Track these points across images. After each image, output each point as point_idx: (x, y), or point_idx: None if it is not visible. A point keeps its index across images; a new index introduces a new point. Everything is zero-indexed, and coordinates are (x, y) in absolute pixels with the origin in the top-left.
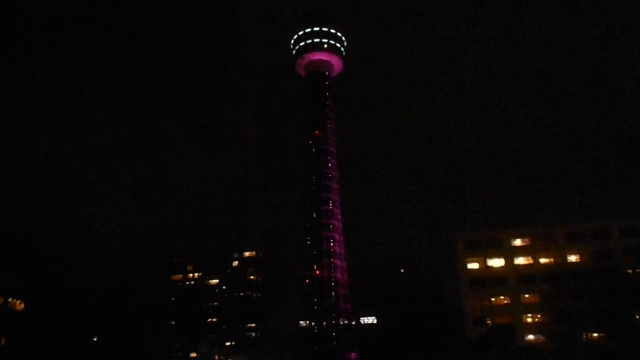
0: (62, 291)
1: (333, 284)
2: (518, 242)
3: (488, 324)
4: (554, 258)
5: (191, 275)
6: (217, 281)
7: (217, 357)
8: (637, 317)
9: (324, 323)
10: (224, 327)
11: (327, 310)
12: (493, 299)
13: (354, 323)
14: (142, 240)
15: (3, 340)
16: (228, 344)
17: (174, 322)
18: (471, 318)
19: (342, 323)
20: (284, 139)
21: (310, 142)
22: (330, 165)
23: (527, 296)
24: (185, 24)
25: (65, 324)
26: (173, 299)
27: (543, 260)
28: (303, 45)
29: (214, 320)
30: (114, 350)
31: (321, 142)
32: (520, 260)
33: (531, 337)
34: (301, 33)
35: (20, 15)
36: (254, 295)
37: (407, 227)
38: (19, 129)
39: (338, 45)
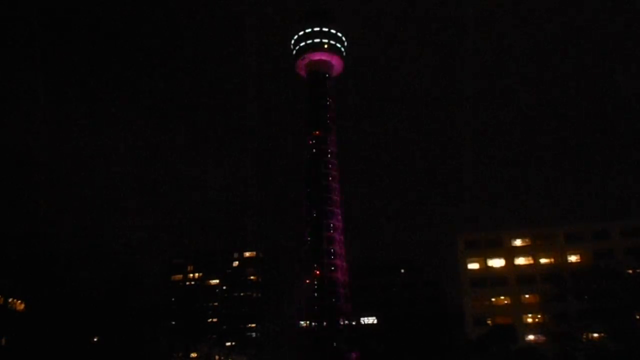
0: (62, 291)
1: (333, 284)
2: (518, 242)
3: (488, 324)
4: (554, 258)
5: (191, 275)
6: (217, 281)
7: (217, 357)
8: (637, 317)
9: (324, 323)
10: (224, 327)
11: (327, 310)
12: (493, 299)
13: (354, 323)
14: (142, 241)
15: (3, 340)
16: (228, 344)
17: (174, 322)
18: (471, 318)
19: (342, 323)
20: (284, 139)
21: (310, 142)
22: (330, 165)
23: (527, 296)
24: (186, 24)
25: (65, 324)
26: (173, 299)
27: (543, 260)
28: (303, 45)
29: (214, 320)
30: (114, 350)
31: (321, 142)
32: (520, 260)
33: (531, 337)
34: (301, 33)
35: (22, 15)
36: (254, 295)
37: (407, 227)
38: (20, 127)
39: (338, 45)
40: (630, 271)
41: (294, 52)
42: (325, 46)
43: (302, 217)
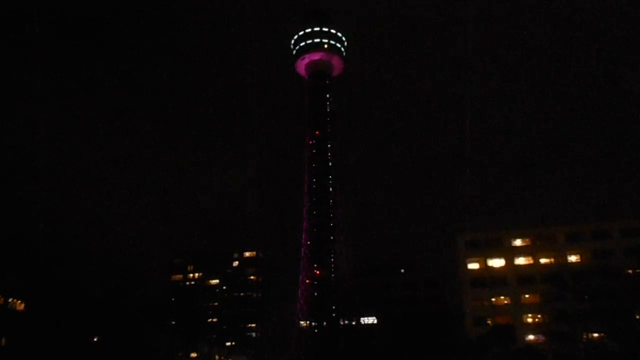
0: (62, 291)
1: (333, 284)
2: (518, 242)
3: (488, 324)
4: (554, 258)
5: (191, 275)
6: (217, 281)
7: (217, 357)
8: (637, 317)
9: (324, 323)
10: (224, 327)
11: (327, 310)
12: (493, 299)
13: (354, 323)
14: (142, 240)
15: (3, 340)
16: (228, 344)
17: (174, 322)
18: (471, 318)
19: (342, 323)
20: (284, 138)
21: (310, 142)
22: (330, 165)
23: (527, 296)
24: (186, 25)
25: (65, 324)
26: (173, 299)
27: (543, 260)
28: (303, 45)
29: (214, 320)
30: (114, 350)
31: (321, 142)
32: (520, 260)
33: (531, 337)
34: (301, 33)
35: (22, 15)
36: (254, 295)
37: (407, 227)
38: (20, 126)
39: (338, 45)
40: (630, 271)
41: (294, 52)
42: (325, 46)
43: (302, 216)
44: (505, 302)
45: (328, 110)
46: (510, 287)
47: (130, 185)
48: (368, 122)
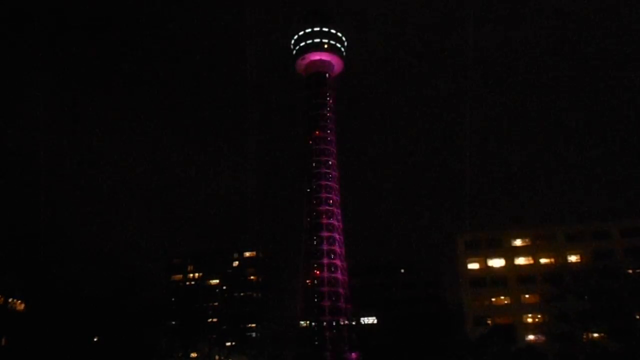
0: (62, 291)
1: (333, 284)
2: (518, 242)
3: (488, 324)
4: (554, 258)
5: (191, 275)
6: (217, 281)
7: (217, 357)
8: (638, 317)
9: (324, 323)
10: (224, 327)
11: (327, 310)
12: (493, 299)
13: (354, 323)
14: (142, 240)
15: (3, 340)
16: (228, 344)
17: (174, 322)
18: (471, 318)
19: (342, 323)
20: (284, 139)
21: (310, 142)
22: (330, 165)
23: (527, 296)
24: (185, 24)
25: (66, 324)
26: (173, 299)
27: (543, 260)
28: (303, 45)
29: (214, 320)
30: (114, 350)
31: (321, 142)
32: (520, 260)
33: (531, 337)
34: (301, 33)
35: (23, 16)
36: (254, 295)
37: (407, 227)
38: (21, 126)
39: (338, 45)
40: (630, 271)
41: (294, 52)
42: (325, 46)
43: (302, 217)
44: (505, 302)
45: (328, 110)
46: (510, 287)
47: (130, 185)
48: (368, 122)
